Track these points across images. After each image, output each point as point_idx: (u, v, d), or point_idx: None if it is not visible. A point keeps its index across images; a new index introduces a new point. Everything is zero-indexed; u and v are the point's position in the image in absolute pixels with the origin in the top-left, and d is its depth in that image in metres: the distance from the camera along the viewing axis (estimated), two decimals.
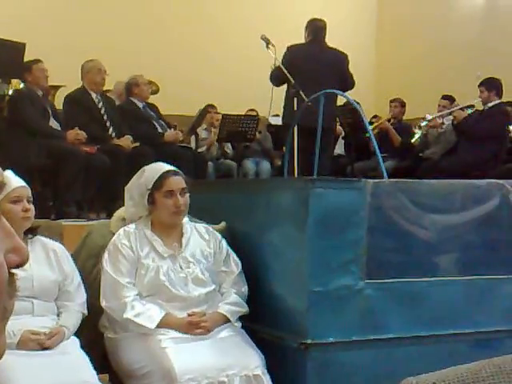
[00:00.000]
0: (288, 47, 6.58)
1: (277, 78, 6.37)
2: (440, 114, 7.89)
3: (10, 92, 6.03)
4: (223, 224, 3.58)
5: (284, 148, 6.27)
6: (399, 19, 10.74)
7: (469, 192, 3.41)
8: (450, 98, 8.17)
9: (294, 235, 3.17)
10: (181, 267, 3.20)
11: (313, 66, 6.42)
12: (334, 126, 7.16)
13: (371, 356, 3.18)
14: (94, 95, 6.50)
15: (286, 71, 6.09)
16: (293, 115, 5.81)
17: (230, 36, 9.91)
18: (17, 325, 2.87)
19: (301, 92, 5.90)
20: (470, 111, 7.66)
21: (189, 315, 3.12)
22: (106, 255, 3.18)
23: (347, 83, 6.54)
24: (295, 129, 5.67)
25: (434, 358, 3.23)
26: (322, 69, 6.42)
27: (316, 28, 6.75)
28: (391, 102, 8.67)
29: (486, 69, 8.06)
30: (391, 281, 3.21)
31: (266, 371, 3.05)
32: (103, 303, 3.13)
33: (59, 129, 6.21)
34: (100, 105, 6.51)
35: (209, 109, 8.46)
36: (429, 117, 7.87)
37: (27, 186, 3.08)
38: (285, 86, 6.44)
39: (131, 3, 9.52)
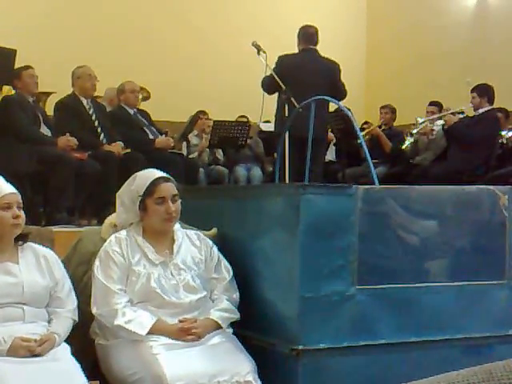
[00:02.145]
0: (279, 57, 6.59)
1: (268, 85, 6.38)
2: (431, 117, 7.91)
3: (1, 98, 6.02)
4: (214, 230, 3.58)
5: (275, 154, 6.28)
6: (389, 26, 10.78)
7: (459, 198, 3.42)
8: (437, 104, 8.21)
9: (285, 241, 3.17)
10: (172, 274, 3.20)
11: (304, 76, 6.42)
12: (326, 137, 7.18)
13: (363, 362, 3.18)
14: (84, 101, 6.49)
15: (277, 78, 6.11)
16: (284, 122, 5.82)
17: (221, 43, 9.93)
18: (7, 331, 2.86)
19: (292, 98, 5.92)
20: (460, 116, 7.69)
21: (180, 321, 3.12)
22: (97, 262, 3.18)
23: (339, 93, 6.55)
24: (286, 135, 5.68)
25: (425, 363, 3.23)
26: (314, 78, 6.42)
27: (308, 35, 6.76)
28: (381, 108, 8.70)
29: (475, 75, 8.10)
30: (382, 286, 3.21)
31: (257, 377, 3.04)
32: (94, 310, 3.12)
33: (50, 135, 6.20)
34: (91, 111, 6.50)
35: (200, 115, 8.47)
36: (420, 120, 7.89)
37: (17, 192, 3.07)
38: (273, 94, 6.45)
39: (122, 10, 9.53)
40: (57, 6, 9.15)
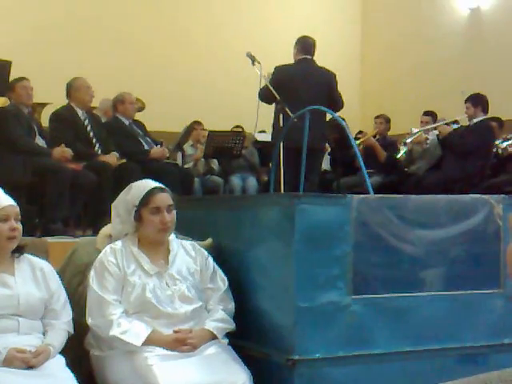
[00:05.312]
0: (276, 67, 6.59)
1: (265, 95, 6.40)
2: (425, 128, 7.94)
3: None
4: (209, 240, 3.58)
5: (270, 164, 6.29)
6: (384, 36, 10.82)
7: (454, 207, 3.43)
8: (431, 114, 8.23)
9: (281, 251, 3.17)
10: (167, 284, 3.20)
11: (300, 86, 6.43)
12: (324, 146, 7.19)
13: (358, 372, 3.18)
14: (80, 112, 6.49)
15: (271, 88, 6.12)
16: (279, 132, 5.83)
17: (215, 53, 9.95)
18: (2, 343, 2.85)
19: (286, 108, 5.93)
20: (454, 126, 7.72)
21: (175, 332, 3.11)
22: (92, 272, 3.17)
23: (336, 103, 6.55)
24: (281, 145, 5.69)
25: (420, 373, 3.24)
26: (310, 88, 6.43)
27: (306, 45, 6.77)
28: (376, 118, 8.72)
29: (469, 85, 8.14)
30: (377, 296, 3.21)
31: None
32: (89, 320, 3.12)
33: (45, 146, 6.20)
34: (86, 122, 6.50)
35: (195, 125, 8.48)
36: (414, 130, 7.92)
37: (16, 204, 3.06)
38: (272, 104, 6.47)
39: (116, 21, 9.54)
40: (51, 17, 9.16)
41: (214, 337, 3.17)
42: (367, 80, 11.03)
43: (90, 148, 6.44)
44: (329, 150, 8.30)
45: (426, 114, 8.25)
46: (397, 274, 3.29)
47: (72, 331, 3.11)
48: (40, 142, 6.22)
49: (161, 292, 3.16)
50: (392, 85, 10.37)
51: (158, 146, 7.08)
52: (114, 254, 3.19)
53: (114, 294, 3.12)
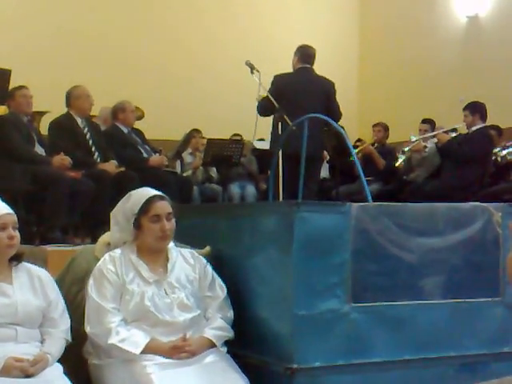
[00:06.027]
0: (275, 76, 6.60)
1: (264, 108, 6.40)
2: (424, 136, 7.95)
3: None
4: (208, 248, 3.58)
5: (269, 172, 6.29)
6: (382, 44, 10.84)
7: (453, 215, 3.43)
8: (430, 122, 8.24)
9: (279, 259, 3.17)
10: (166, 292, 3.19)
11: (299, 94, 6.44)
12: (322, 155, 7.20)
13: (357, 380, 3.17)
14: (79, 120, 6.50)
15: (272, 98, 6.13)
16: (278, 140, 5.84)
17: (215, 61, 9.96)
18: (0, 352, 2.85)
19: (285, 116, 5.94)
20: (453, 134, 7.72)
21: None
22: (90, 280, 3.17)
23: (334, 113, 6.53)
24: (280, 153, 5.69)
25: (420, 381, 3.23)
26: (309, 97, 6.44)
27: (306, 55, 6.77)
28: (374, 126, 8.73)
29: (468, 93, 8.14)
30: (376, 304, 3.21)
31: None
32: (87, 329, 3.11)
33: (44, 154, 6.20)
34: (85, 130, 6.51)
35: (194, 133, 8.49)
36: (413, 138, 7.92)
37: (13, 212, 3.06)
38: (270, 116, 6.47)
39: (116, 29, 9.56)
40: (51, 26, 9.17)
41: (212, 345, 3.16)
42: (365, 88, 11.04)
43: (89, 156, 6.44)
44: (327, 157, 8.31)
45: (425, 121, 8.25)
46: (396, 282, 3.28)
47: (70, 339, 3.10)
48: (39, 150, 6.22)
49: (159, 300, 3.16)
50: (390, 93, 10.38)
51: (157, 154, 7.09)
52: (112, 262, 3.19)
53: (112, 302, 3.11)
